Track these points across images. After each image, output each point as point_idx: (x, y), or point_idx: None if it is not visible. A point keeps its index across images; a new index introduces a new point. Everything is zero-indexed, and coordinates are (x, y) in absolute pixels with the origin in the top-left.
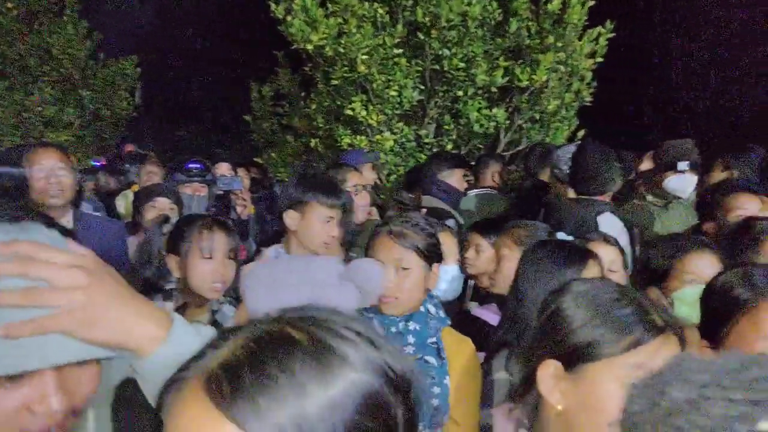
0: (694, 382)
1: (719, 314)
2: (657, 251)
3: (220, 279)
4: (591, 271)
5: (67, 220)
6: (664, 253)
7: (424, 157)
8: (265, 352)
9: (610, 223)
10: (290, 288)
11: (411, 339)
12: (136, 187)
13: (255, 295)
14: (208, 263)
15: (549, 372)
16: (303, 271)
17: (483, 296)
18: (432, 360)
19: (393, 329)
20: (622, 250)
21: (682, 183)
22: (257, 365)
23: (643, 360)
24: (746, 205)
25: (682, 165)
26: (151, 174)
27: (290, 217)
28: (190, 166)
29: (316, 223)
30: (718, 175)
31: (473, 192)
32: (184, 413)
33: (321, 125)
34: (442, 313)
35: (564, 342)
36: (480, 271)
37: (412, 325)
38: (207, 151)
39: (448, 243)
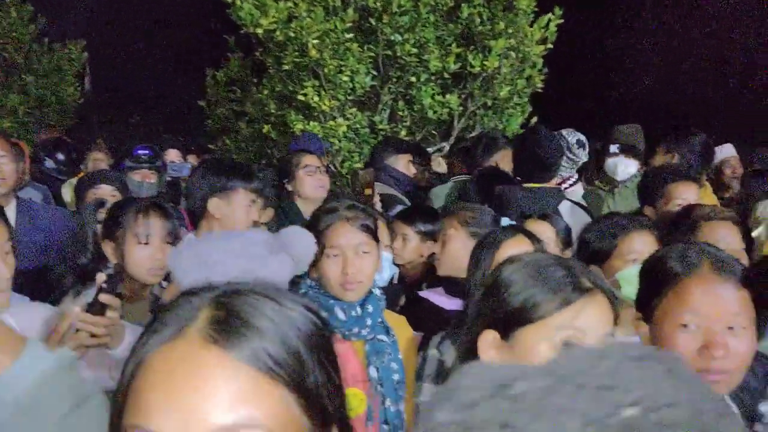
0: (462, 402)
1: (652, 286)
2: (597, 231)
3: (159, 264)
4: (518, 244)
5: (10, 209)
6: (605, 233)
7: (377, 143)
8: (239, 303)
9: (571, 210)
10: (220, 262)
11: (369, 321)
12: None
13: (184, 273)
14: (144, 249)
15: (488, 341)
16: (232, 246)
17: (409, 285)
18: (384, 338)
19: (353, 313)
20: (567, 228)
21: (612, 165)
22: (240, 313)
23: (569, 320)
24: (685, 195)
25: (613, 147)
26: (98, 161)
27: (214, 205)
28: (139, 152)
29: (240, 208)
30: (660, 159)
31: (455, 179)
32: (191, 363)
33: (273, 111)
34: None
35: (502, 307)
36: (405, 261)
37: (369, 308)
38: (159, 138)
39: (381, 229)
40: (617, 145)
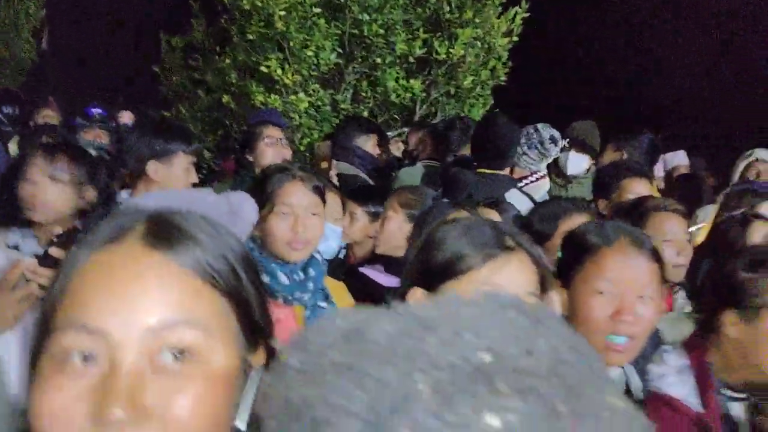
0: (311, 348)
1: (572, 256)
2: (540, 214)
3: (61, 204)
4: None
5: None
6: (548, 216)
7: (339, 122)
8: (176, 218)
9: (517, 198)
10: None
11: (311, 286)
12: None
13: None
14: (47, 189)
15: (416, 298)
16: (187, 205)
17: (356, 265)
18: (324, 305)
19: (296, 278)
20: (520, 217)
21: (563, 159)
22: (179, 224)
23: (490, 275)
24: (638, 189)
25: (563, 142)
26: (47, 118)
27: (153, 168)
28: (92, 110)
29: (179, 171)
30: (610, 156)
31: (425, 163)
32: (134, 265)
33: (234, 81)
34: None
35: (431, 262)
36: (351, 239)
37: (311, 272)
38: (114, 100)
39: (332, 201)
40: (567, 140)
